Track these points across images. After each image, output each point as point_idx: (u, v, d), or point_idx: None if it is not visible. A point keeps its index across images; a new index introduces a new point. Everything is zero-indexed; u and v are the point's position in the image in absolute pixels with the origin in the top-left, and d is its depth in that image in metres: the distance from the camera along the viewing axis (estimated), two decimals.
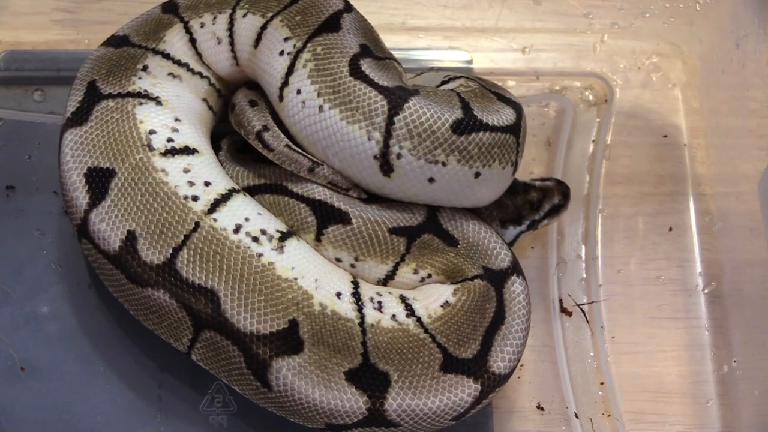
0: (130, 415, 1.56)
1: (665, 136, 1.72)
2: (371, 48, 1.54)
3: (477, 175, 1.48)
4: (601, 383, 1.63)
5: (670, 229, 1.69)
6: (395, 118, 1.43)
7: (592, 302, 1.67)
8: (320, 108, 1.47)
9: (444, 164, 1.45)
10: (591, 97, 1.74)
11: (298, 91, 1.49)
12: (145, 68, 1.57)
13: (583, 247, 1.70)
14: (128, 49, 1.59)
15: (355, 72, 1.47)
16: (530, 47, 1.71)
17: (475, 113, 1.46)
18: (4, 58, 1.70)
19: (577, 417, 1.59)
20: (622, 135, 1.73)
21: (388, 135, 1.44)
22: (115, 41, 1.61)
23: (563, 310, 1.67)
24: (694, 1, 1.65)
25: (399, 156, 1.44)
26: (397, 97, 1.44)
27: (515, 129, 1.50)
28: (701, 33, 1.70)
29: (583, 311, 1.67)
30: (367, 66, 1.49)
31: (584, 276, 1.69)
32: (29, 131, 1.68)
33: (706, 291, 1.67)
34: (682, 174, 1.72)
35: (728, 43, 1.64)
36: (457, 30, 1.70)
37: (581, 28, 1.72)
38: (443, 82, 1.59)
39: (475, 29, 1.70)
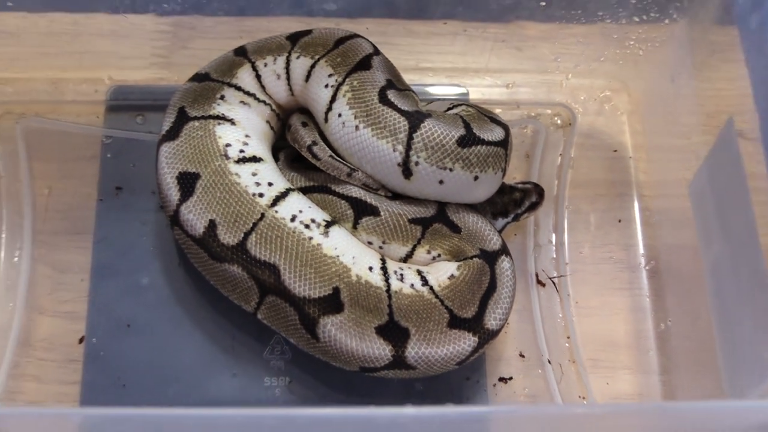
0: (211, 361, 1.56)
1: (615, 151, 1.71)
2: (394, 82, 1.53)
3: (476, 178, 1.47)
4: (568, 337, 1.62)
5: (619, 221, 1.68)
6: (414, 135, 1.43)
7: (561, 276, 1.66)
8: (356, 127, 1.47)
9: (451, 170, 1.45)
10: (559, 122, 1.72)
11: (339, 115, 1.49)
12: (222, 97, 1.57)
13: (554, 234, 1.69)
14: (209, 83, 1.58)
15: (383, 100, 1.47)
16: (512, 83, 1.69)
17: (474, 131, 1.46)
18: (114, 91, 1.68)
19: (549, 363, 1.59)
20: (582, 150, 1.72)
21: (408, 147, 1.44)
22: (199, 77, 1.60)
23: (539, 282, 1.66)
24: (638, 48, 1.63)
25: (417, 163, 1.44)
26: (415, 119, 1.44)
27: (504, 144, 1.50)
28: (644, 72, 1.68)
29: (554, 283, 1.65)
30: (392, 95, 1.48)
31: (554, 256, 1.68)
32: (133, 146, 1.67)
33: (647, 268, 1.66)
34: (628, 180, 1.71)
35: (665, 79, 1.63)
36: (457, 70, 1.68)
37: (551, 69, 1.71)
38: (449, 108, 1.58)
39: (470, 70, 1.68)
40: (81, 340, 1.56)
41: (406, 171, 1.47)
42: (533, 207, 1.63)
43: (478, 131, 1.48)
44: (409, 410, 1.08)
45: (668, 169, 1.67)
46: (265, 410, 1.20)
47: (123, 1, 1.58)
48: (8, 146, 1.69)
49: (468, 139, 1.46)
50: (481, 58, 1.70)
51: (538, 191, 1.63)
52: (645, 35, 1.62)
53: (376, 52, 1.57)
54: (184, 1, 1.60)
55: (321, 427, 1.06)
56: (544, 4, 1.56)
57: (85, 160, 1.68)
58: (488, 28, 1.66)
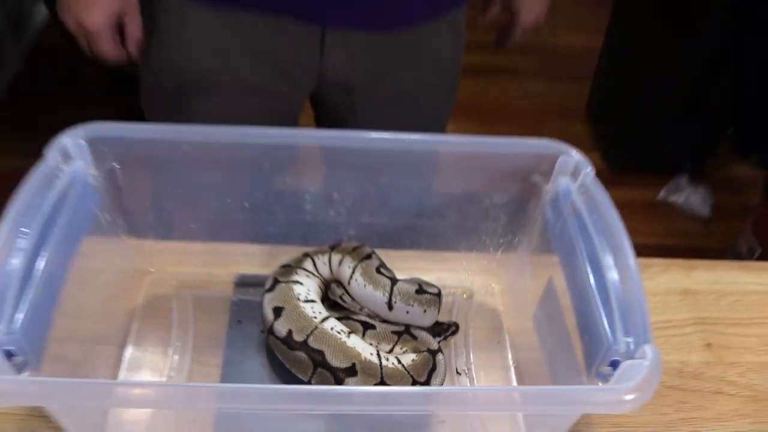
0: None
1: (493, 310, 2.07)
2: (383, 264, 1.96)
3: (425, 311, 1.88)
4: None
5: (498, 342, 2.01)
6: (393, 288, 1.85)
7: (470, 369, 1.97)
8: (365, 286, 1.88)
9: (412, 306, 1.87)
10: (465, 296, 2.09)
11: (356, 280, 1.90)
12: (296, 272, 1.96)
13: (464, 349, 2.02)
14: (290, 267, 1.98)
15: (378, 272, 1.90)
16: (439, 278, 2.04)
17: (423, 288, 1.88)
18: (239, 277, 2.06)
19: None
20: (476, 312, 2.06)
21: (391, 295, 1.86)
22: (284, 265, 1.97)
23: (458, 372, 1.97)
24: (503, 259, 2.02)
25: (395, 302, 1.85)
26: (393, 281, 1.86)
27: (438, 296, 1.90)
28: (507, 272, 2.03)
29: (466, 373, 1.97)
30: (382, 270, 1.91)
31: (465, 360, 1.99)
32: (247, 303, 2.04)
33: (513, 366, 1.96)
34: (501, 325, 2.03)
35: (521, 274, 2.00)
36: (411, 270, 2.04)
37: (460, 271, 2.08)
38: (410, 279, 1.95)
39: (418, 270, 2.06)
40: None
41: (390, 307, 1.88)
42: (453, 333, 1.98)
43: (425, 288, 1.90)
44: (393, 389, 1.55)
45: (521, 314, 2.00)
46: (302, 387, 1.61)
47: (247, 235, 2.02)
48: (183, 305, 2.07)
49: (420, 291, 1.89)
50: (423, 265, 2.12)
51: (456, 326, 2.00)
52: (506, 251, 2.03)
53: (374, 251, 2.01)
54: (277, 234, 2.04)
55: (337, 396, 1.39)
56: (456, 232, 2.00)
57: (222, 310, 2.06)
58: (426, 252, 2.09)
